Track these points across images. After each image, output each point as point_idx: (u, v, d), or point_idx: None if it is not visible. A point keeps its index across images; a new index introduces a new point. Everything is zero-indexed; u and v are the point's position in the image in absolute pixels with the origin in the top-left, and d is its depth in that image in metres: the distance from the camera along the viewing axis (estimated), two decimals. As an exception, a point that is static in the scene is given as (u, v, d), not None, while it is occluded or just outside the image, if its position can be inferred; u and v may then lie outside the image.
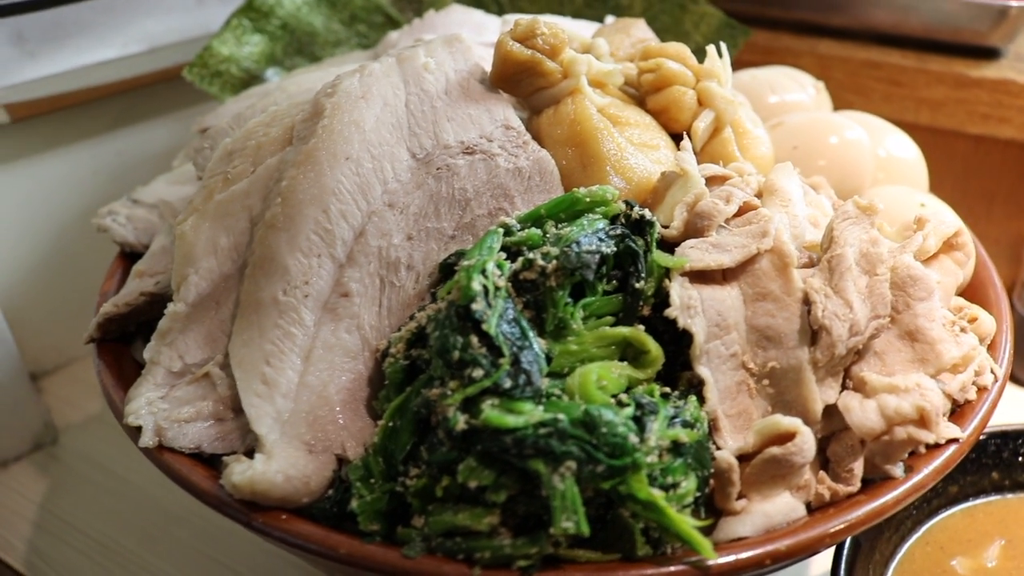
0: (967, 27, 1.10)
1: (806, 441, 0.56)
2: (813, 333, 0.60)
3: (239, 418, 0.63)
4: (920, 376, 0.60)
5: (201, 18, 1.09)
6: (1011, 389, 1.15)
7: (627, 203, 0.64)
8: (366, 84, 0.69)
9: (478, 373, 0.53)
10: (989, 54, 1.12)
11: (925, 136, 1.16)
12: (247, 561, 0.89)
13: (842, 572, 0.70)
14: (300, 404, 0.61)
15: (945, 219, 0.71)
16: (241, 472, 0.56)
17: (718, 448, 0.58)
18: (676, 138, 0.77)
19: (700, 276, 0.61)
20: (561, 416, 0.52)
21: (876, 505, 0.57)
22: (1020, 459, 0.84)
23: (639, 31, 0.84)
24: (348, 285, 0.64)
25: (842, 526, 0.56)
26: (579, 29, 0.89)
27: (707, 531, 0.57)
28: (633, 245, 0.60)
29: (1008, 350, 0.71)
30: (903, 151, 0.89)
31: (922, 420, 0.58)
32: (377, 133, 0.67)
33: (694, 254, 0.60)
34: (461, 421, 0.53)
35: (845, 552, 0.71)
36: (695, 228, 0.63)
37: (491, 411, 0.52)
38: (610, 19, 0.93)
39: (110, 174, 1.12)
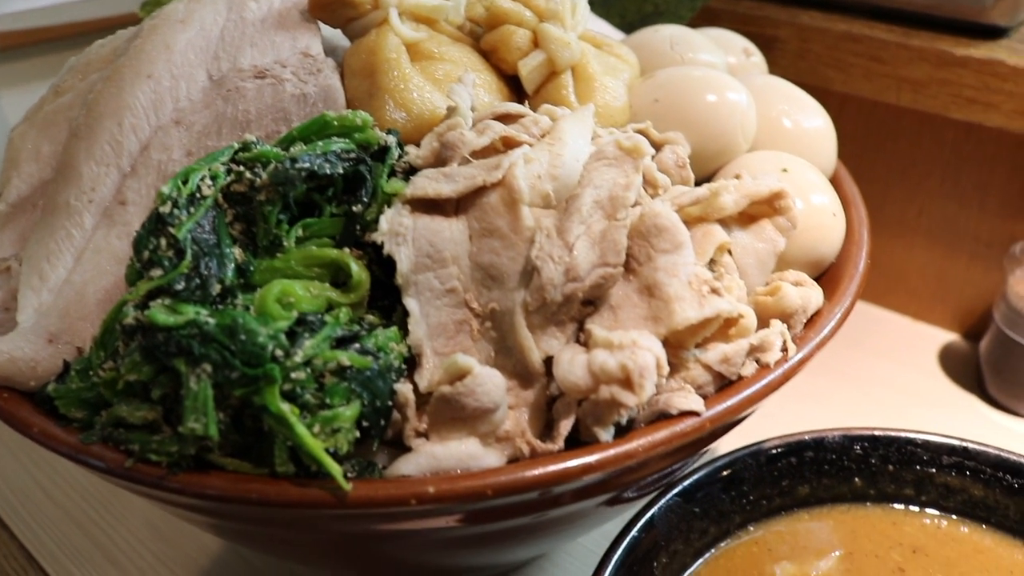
0: (967, 2, 0.98)
1: (480, 384, 0.53)
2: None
3: (20, 308, 0.67)
4: (641, 334, 0.54)
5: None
6: (996, 415, 1.02)
7: (389, 131, 0.63)
8: (190, 9, 0.71)
9: (157, 272, 0.55)
10: (993, 33, 0.99)
11: (911, 120, 1.05)
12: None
13: (618, 553, 0.65)
14: (59, 299, 0.64)
15: (769, 182, 0.65)
16: (-30, 349, 0.60)
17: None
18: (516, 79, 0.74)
19: (429, 206, 0.58)
20: (210, 320, 0.52)
21: (559, 468, 0.52)
22: (890, 467, 0.74)
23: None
24: (126, 194, 0.66)
25: (509, 480, 0.52)
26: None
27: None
28: (363, 170, 0.59)
29: (825, 333, 0.63)
30: (809, 121, 0.80)
31: (627, 380, 0.53)
32: (183, 55, 0.69)
33: (419, 181, 0.58)
34: (130, 316, 0.54)
35: (633, 532, 0.66)
36: (441, 159, 0.61)
37: (155, 309, 0.53)
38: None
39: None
